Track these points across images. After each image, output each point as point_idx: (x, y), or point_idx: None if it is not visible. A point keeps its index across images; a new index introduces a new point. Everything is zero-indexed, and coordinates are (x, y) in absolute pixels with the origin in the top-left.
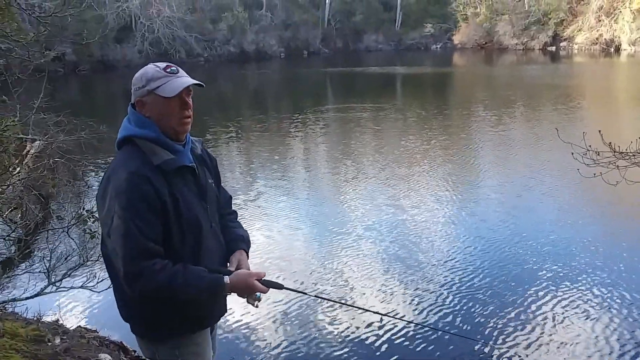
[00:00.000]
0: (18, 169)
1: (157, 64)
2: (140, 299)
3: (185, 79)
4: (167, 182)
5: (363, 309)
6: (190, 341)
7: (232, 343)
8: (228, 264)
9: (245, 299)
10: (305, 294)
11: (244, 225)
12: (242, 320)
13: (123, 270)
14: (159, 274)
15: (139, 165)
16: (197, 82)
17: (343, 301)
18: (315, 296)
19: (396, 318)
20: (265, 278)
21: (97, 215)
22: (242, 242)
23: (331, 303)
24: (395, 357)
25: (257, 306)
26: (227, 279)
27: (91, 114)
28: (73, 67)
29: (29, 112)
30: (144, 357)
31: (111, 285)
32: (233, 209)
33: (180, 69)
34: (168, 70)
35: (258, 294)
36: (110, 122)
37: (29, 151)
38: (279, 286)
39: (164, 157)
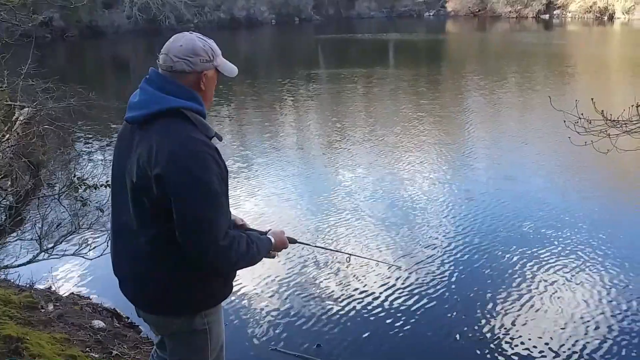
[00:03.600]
0: (7, 136)
1: (203, 37)
2: (202, 274)
3: (231, 63)
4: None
5: (359, 256)
6: (216, 309)
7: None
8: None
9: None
10: (310, 245)
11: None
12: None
13: (217, 243)
14: (240, 244)
15: (202, 137)
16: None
17: (338, 249)
18: (317, 246)
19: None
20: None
21: (88, 183)
22: None
23: (327, 252)
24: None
25: (273, 258)
26: (272, 238)
27: (80, 81)
28: (61, 32)
29: (16, 79)
30: (136, 324)
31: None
32: None
33: None
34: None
35: None
36: (99, 88)
37: (17, 118)
38: (294, 241)
39: (213, 129)
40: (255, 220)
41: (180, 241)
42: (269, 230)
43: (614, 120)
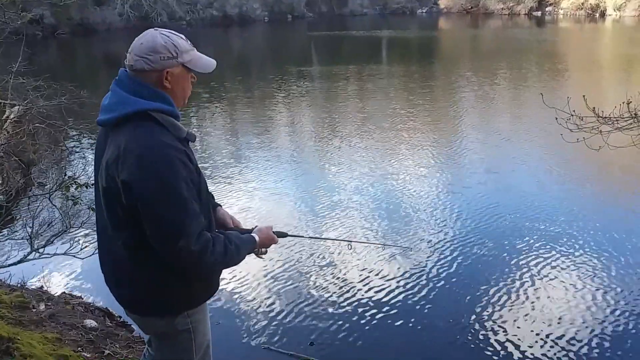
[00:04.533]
0: None
1: (171, 32)
2: (179, 275)
3: (207, 57)
4: (192, 154)
5: (348, 240)
6: (199, 309)
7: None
8: (227, 225)
9: (254, 254)
10: (303, 237)
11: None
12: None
13: (190, 248)
14: (216, 246)
15: (171, 139)
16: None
17: (332, 237)
18: (310, 237)
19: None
20: (273, 230)
21: (79, 182)
22: (213, 198)
23: (324, 241)
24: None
25: (263, 258)
26: (256, 236)
27: (71, 79)
28: (52, 30)
29: (7, 77)
30: (128, 323)
31: (112, 263)
32: None
33: None
34: (189, 42)
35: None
36: (91, 86)
37: (8, 116)
38: (284, 234)
39: (185, 129)
40: (247, 215)
41: (153, 246)
42: (255, 228)
43: (605, 117)
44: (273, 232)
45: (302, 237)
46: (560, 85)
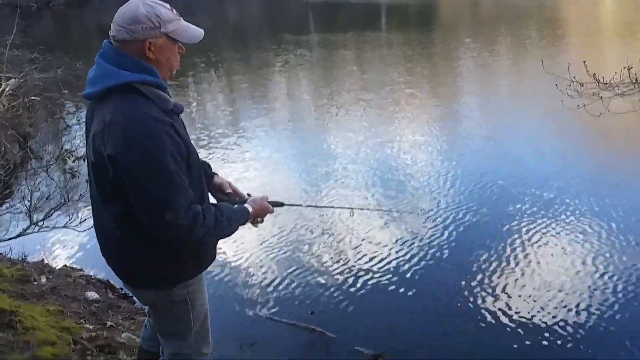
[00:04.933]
0: None
1: (155, 1)
2: (170, 248)
3: (194, 27)
4: (179, 126)
5: (350, 208)
6: (195, 280)
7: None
8: (225, 191)
9: (250, 223)
10: (300, 205)
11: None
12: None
13: (177, 222)
14: (207, 218)
15: (155, 111)
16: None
17: (330, 205)
18: (308, 205)
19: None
20: (269, 199)
21: (76, 154)
22: (209, 167)
23: (322, 210)
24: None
25: (259, 228)
26: (249, 207)
27: (66, 50)
28: (46, 1)
29: (2, 49)
30: (130, 295)
31: (106, 235)
32: None
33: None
34: (175, 12)
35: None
36: (85, 58)
37: (4, 89)
38: (280, 204)
39: (171, 100)
40: (243, 184)
41: (141, 219)
42: (248, 198)
43: (606, 83)
44: (268, 201)
45: (300, 205)
46: (560, 52)
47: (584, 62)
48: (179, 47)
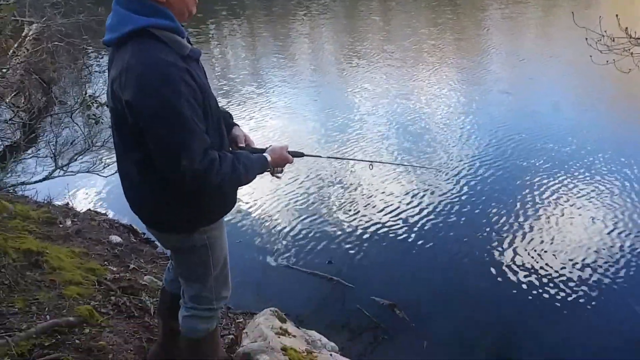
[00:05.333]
0: (13, 51)
1: None
2: (189, 194)
3: None
4: (195, 72)
5: (370, 161)
6: (216, 225)
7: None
8: (238, 144)
9: (270, 173)
10: (320, 157)
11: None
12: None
13: (193, 167)
14: (223, 165)
15: (172, 56)
16: None
17: (350, 157)
18: (328, 157)
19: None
20: (289, 149)
21: (100, 100)
22: (230, 117)
23: (341, 162)
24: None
25: (280, 177)
26: (267, 156)
27: None
28: None
29: None
30: (152, 240)
31: (129, 181)
32: None
33: None
34: None
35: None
36: (108, 3)
37: (27, 34)
38: (300, 154)
39: (188, 45)
40: (263, 133)
41: (158, 165)
42: (268, 147)
43: (637, 38)
44: (288, 151)
45: (320, 157)
46: (593, 3)
47: (617, 15)
48: None
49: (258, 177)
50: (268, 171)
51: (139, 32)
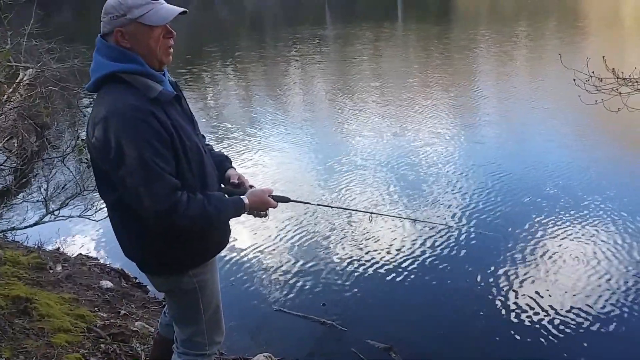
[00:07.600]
0: (11, 97)
1: None
2: (165, 236)
3: (171, 7)
4: (165, 114)
5: (361, 210)
6: (204, 268)
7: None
8: (230, 180)
9: (253, 215)
10: (310, 203)
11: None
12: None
13: (155, 209)
14: (190, 206)
15: (138, 100)
16: (182, 9)
17: (344, 207)
18: (318, 204)
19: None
20: (273, 193)
21: None
22: (228, 161)
23: (333, 210)
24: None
25: (264, 221)
26: (245, 198)
27: (85, 40)
28: None
29: (20, 39)
30: (144, 284)
31: (114, 224)
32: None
33: None
34: None
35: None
36: None
37: (21, 79)
38: (286, 199)
39: (158, 88)
40: (256, 177)
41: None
42: (249, 189)
43: (625, 79)
44: (273, 196)
45: (310, 203)
46: (580, 46)
47: (603, 56)
48: (165, 31)
49: (247, 217)
50: (251, 214)
51: (110, 77)
